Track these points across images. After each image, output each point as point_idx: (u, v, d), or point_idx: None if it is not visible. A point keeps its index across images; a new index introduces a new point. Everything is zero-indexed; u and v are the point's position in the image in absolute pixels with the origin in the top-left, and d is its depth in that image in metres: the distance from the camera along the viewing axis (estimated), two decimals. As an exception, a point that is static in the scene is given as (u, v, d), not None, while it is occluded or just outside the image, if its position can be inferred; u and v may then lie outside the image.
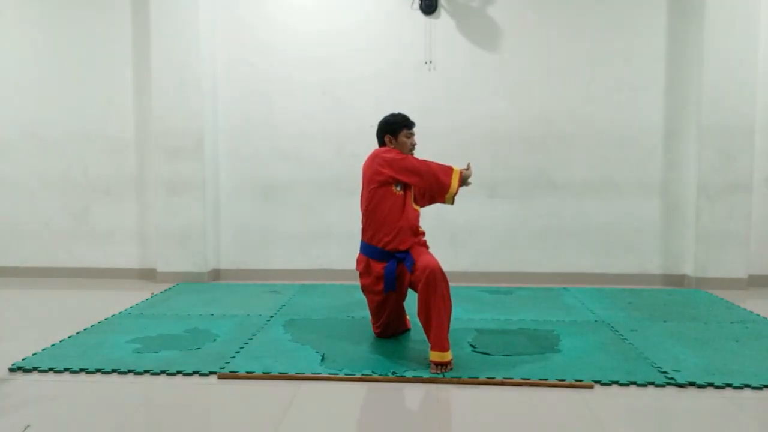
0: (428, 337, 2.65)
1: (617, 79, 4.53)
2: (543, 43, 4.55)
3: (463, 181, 2.88)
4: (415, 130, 3.02)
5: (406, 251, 2.84)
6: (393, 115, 2.99)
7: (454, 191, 2.86)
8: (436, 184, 2.85)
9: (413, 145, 2.99)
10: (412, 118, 2.98)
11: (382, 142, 3.01)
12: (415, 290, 2.74)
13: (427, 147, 4.56)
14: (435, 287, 2.62)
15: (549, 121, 4.57)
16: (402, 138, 2.95)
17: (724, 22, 4.28)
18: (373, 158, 2.90)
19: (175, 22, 4.47)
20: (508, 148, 4.56)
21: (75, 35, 4.70)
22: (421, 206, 3.06)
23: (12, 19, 4.73)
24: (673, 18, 4.48)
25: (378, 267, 2.88)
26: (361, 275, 2.99)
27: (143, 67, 4.66)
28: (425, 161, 2.87)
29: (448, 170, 2.85)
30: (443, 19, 4.58)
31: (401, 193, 2.88)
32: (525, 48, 4.56)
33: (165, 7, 4.47)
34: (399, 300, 2.98)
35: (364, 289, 2.99)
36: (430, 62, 4.59)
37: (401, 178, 2.84)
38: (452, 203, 2.97)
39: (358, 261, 3.01)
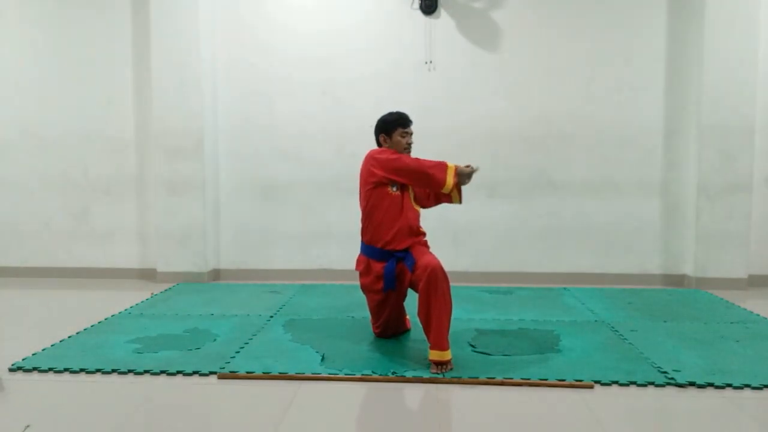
0: (428, 336, 2.65)
1: (617, 79, 4.53)
2: (543, 43, 4.55)
3: (460, 176, 2.80)
4: (415, 129, 3.00)
5: (406, 250, 2.84)
6: (389, 114, 2.98)
7: (450, 186, 2.80)
8: (429, 181, 2.81)
9: (409, 144, 2.96)
10: (411, 117, 2.94)
11: (378, 142, 3.01)
12: (416, 290, 2.74)
13: (427, 147, 4.56)
14: (436, 286, 2.62)
15: (549, 121, 4.57)
16: (396, 137, 2.94)
17: (724, 22, 4.28)
18: (368, 159, 2.90)
19: (175, 22, 4.47)
20: (508, 148, 4.56)
21: (75, 35, 4.70)
22: (427, 207, 3.05)
23: (12, 19, 4.73)
24: (673, 18, 4.48)
25: (378, 267, 2.88)
26: (361, 275, 2.99)
27: (143, 67, 4.66)
28: (418, 159, 2.84)
29: (442, 166, 2.80)
30: (443, 19, 4.58)
31: (398, 193, 2.87)
32: (525, 48, 4.56)
33: (165, 7, 4.47)
34: (399, 300, 2.98)
35: (364, 288, 2.99)
36: (430, 62, 4.59)
37: (393, 178, 2.84)
38: (459, 202, 2.94)
39: (359, 261, 3.01)
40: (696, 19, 4.39)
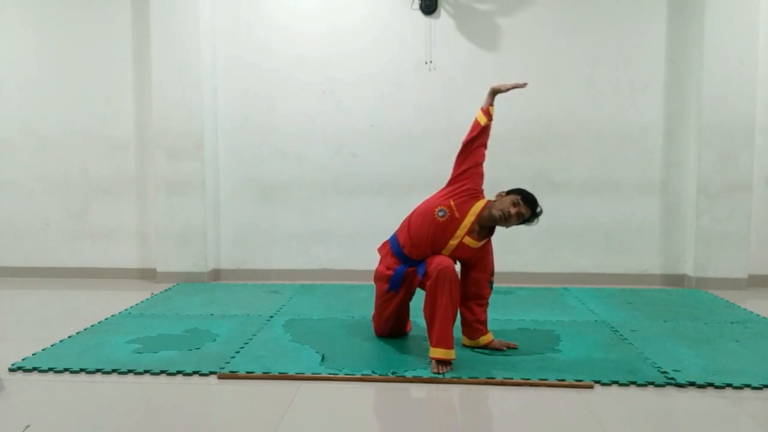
0: (430, 334, 2.65)
1: (617, 79, 4.53)
2: (543, 43, 4.55)
3: (496, 93, 2.93)
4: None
5: (423, 260, 2.82)
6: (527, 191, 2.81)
7: (484, 116, 2.88)
8: (468, 137, 2.85)
9: (508, 213, 2.69)
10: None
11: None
12: (424, 289, 2.74)
13: (427, 147, 4.59)
14: (444, 283, 2.61)
15: (549, 121, 4.57)
16: (507, 199, 2.74)
17: (724, 22, 4.28)
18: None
19: (175, 22, 4.47)
20: (508, 148, 4.56)
21: (75, 35, 4.70)
22: (474, 161, 2.86)
23: (12, 19, 4.73)
24: (673, 18, 4.48)
25: (392, 261, 2.88)
26: (380, 260, 2.97)
27: (143, 67, 4.66)
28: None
29: (475, 121, 2.89)
30: (443, 19, 4.58)
31: (443, 220, 2.75)
32: (525, 48, 4.56)
33: (165, 7, 4.46)
34: (405, 299, 2.96)
35: (376, 274, 2.97)
36: (430, 62, 4.59)
37: (465, 164, 2.83)
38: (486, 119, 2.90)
39: (383, 245, 3.00)
40: (696, 19, 4.39)
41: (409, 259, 2.84)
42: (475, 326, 2.88)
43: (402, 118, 4.59)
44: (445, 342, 2.60)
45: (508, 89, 2.95)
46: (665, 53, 4.50)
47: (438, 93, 4.59)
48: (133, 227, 4.79)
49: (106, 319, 3.46)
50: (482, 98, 2.98)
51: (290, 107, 4.67)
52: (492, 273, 2.92)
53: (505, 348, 2.90)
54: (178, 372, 2.60)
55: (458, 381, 2.52)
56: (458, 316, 2.83)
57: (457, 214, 2.76)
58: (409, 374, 2.57)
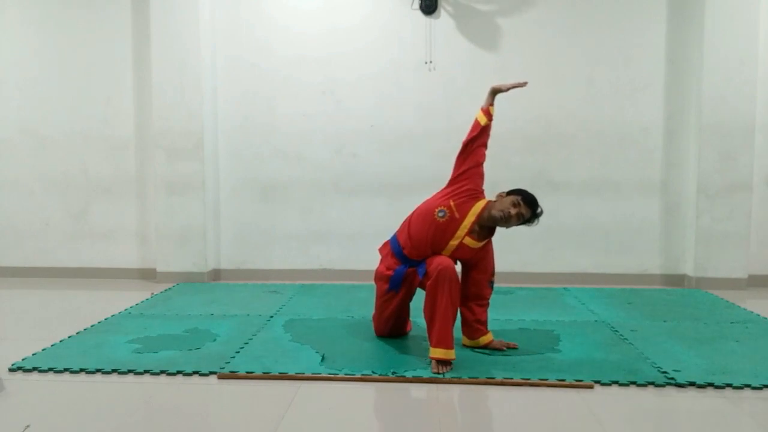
0: (430, 334, 2.64)
1: (617, 79, 4.53)
2: (543, 43, 4.55)
3: (496, 93, 2.91)
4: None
5: (423, 260, 2.82)
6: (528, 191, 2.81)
7: (484, 116, 2.86)
8: (469, 137, 2.84)
9: (508, 213, 2.69)
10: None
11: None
12: (425, 289, 2.74)
13: (427, 147, 4.59)
14: (444, 283, 2.61)
15: (549, 121, 4.57)
16: (508, 200, 2.73)
17: (724, 22, 4.28)
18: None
19: (175, 22, 4.47)
20: (508, 148, 4.56)
21: (75, 35, 4.70)
22: (474, 161, 2.84)
23: (12, 19, 4.73)
24: (673, 18, 4.48)
25: (393, 261, 2.88)
26: (381, 260, 2.97)
27: (143, 67, 4.66)
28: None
29: (475, 121, 2.88)
30: (443, 19, 4.58)
31: (443, 220, 2.75)
32: (525, 48, 4.56)
33: (165, 7, 4.46)
34: (405, 299, 2.96)
35: (376, 274, 2.97)
36: (430, 62, 4.59)
37: (465, 165, 2.83)
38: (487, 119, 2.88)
39: (384, 245, 3.00)
40: (696, 19, 4.39)
41: (409, 259, 2.84)
42: (475, 326, 2.88)
43: (402, 118, 4.59)
44: (445, 342, 2.60)
45: (508, 89, 2.94)
46: (665, 53, 4.50)
47: (438, 93, 4.59)
48: (133, 227, 4.79)
49: (106, 319, 3.46)
50: (482, 98, 2.97)
51: (290, 107, 4.68)
52: (492, 273, 2.92)
53: (505, 348, 2.90)
54: (178, 372, 2.60)
55: (458, 381, 2.52)
56: (458, 316, 2.83)
57: (457, 215, 2.76)
58: (409, 374, 2.57)
